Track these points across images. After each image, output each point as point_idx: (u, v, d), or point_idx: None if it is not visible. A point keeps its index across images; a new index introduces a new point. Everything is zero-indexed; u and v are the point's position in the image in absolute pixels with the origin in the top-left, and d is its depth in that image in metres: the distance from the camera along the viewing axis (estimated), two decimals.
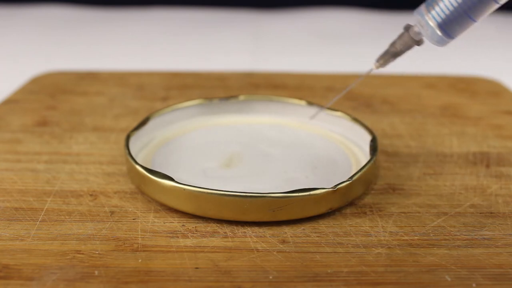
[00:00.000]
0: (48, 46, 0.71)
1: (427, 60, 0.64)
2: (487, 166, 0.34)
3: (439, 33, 0.27)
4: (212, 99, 0.38)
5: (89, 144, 0.36)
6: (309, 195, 0.26)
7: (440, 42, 0.27)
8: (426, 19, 0.27)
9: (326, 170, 0.32)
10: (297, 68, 0.55)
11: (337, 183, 0.27)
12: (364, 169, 0.29)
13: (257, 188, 0.29)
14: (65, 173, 0.32)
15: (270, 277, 0.24)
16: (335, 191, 0.27)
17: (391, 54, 0.30)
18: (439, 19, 0.27)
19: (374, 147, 0.31)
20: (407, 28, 0.29)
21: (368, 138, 0.33)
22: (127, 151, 0.30)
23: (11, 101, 0.43)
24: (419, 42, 0.29)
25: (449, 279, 0.24)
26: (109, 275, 0.24)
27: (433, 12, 0.27)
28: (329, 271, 0.24)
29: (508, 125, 0.39)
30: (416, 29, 0.28)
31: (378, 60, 0.30)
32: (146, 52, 0.69)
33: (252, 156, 0.33)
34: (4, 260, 0.25)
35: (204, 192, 0.26)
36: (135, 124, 0.36)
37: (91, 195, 0.30)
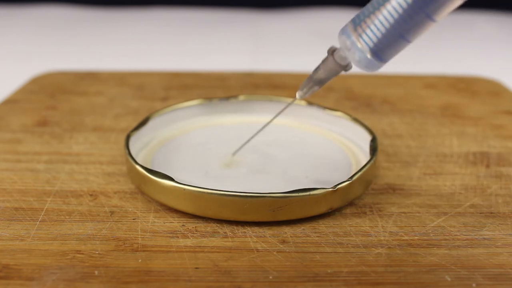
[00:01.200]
0: (48, 46, 0.71)
1: (427, 60, 0.64)
2: (487, 166, 0.34)
3: (369, 57, 0.23)
4: (212, 99, 0.38)
5: (89, 144, 0.36)
6: (309, 195, 0.26)
7: (370, 67, 0.24)
8: (354, 41, 0.23)
9: (326, 170, 0.32)
10: (297, 68, 0.55)
11: (337, 183, 0.27)
12: (364, 169, 0.29)
13: (257, 188, 0.29)
14: (65, 173, 0.32)
15: (270, 277, 0.24)
16: (335, 191, 0.27)
17: (314, 81, 0.26)
18: (370, 43, 0.23)
19: (374, 147, 0.31)
20: (332, 51, 0.25)
21: (368, 138, 0.33)
22: (127, 151, 0.30)
23: (11, 101, 0.43)
24: (346, 67, 0.25)
25: (449, 279, 0.24)
26: (109, 275, 0.24)
27: (362, 34, 0.23)
28: (329, 271, 0.24)
29: (508, 125, 0.39)
30: (342, 53, 0.24)
31: (301, 89, 0.27)
32: (146, 52, 0.69)
33: (252, 156, 0.33)
34: (4, 260, 0.25)
35: (204, 192, 0.26)
36: (135, 124, 0.36)
37: (91, 195, 0.30)
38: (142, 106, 0.43)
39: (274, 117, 0.31)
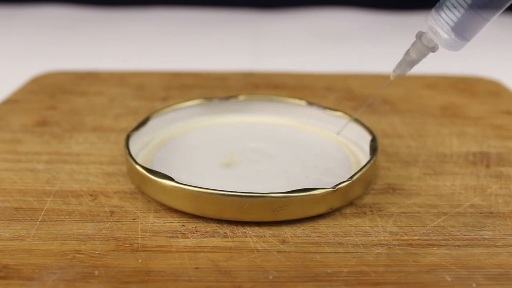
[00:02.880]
0: (48, 46, 0.71)
1: (427, 60, 0.64)
2: (487, 166, 0.34)
3: (453, 37, 0.26)
4: (212, 99, 0.38)
5: (89, 144, 0.36)
6: (309, 195, 0.26)
7: (455, 46, 0.27)
8: (438, 23, 0.26)
9: (326, 170, 0.32)
10: (297, 68, 0.55)
11: (337, 183, 0.27)
12: (364, 169, 0.29)
13: (257, 188, 0.29)
14: (65, 173, 0.32)
15: (270, 277, 0.24)
16: (335, 191, 0.27)
17: (406, 63, 0.29)
18: (451, 22, 0.26)
19: (374, 147, 0.31)
20: (419, 35, 0.28)
21: (368, 138, 0.33)
22: (127, 151, 0.30)
23: (11, 101, 0.43)
24: (433, 49, 0.28)
25: (449, 279, 0.24)
26: (109, 275, 0.24)
27: (444, 16, 0.26)
28: (329, 271, 0.24)
29: (508, 125, 0.39)
30: (428, 35, 0.28)
31: (394, 70, 0.30)
32: (146, 52, 0.69)
33: (252, 156, 0.33)
34: (4, 260, 0.25)
35: (204, 192, 0.26)
36: (135, 124, 0.36)
37: (91, 195, 0.30)
38: (142, 106, 0.43)
39: (379, 91, 0.34)
